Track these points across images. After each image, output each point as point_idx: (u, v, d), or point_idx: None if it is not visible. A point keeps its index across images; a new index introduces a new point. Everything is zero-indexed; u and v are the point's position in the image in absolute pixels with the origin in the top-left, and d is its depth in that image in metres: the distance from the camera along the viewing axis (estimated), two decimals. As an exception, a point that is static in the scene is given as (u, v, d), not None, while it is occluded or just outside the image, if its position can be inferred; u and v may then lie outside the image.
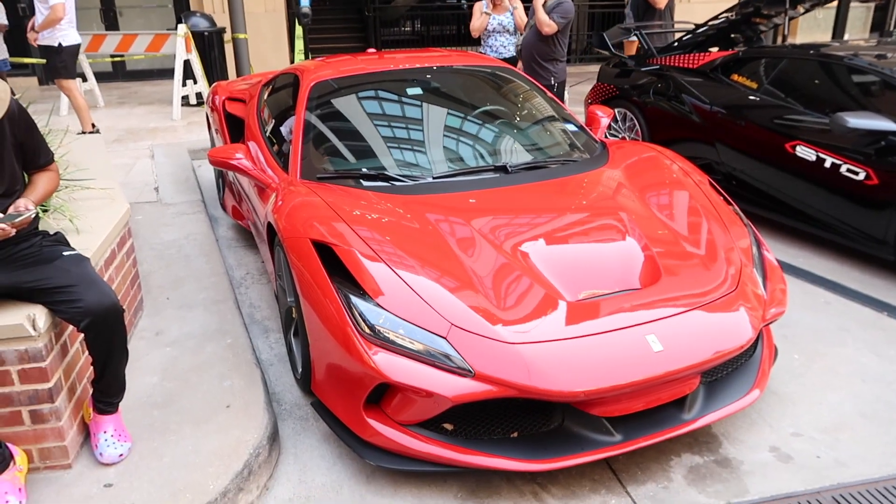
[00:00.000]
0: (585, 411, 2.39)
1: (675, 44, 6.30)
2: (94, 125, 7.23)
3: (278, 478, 2.56)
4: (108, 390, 2.42)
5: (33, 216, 2.24)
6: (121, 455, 2.39)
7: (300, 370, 2.92)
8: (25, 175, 2.45)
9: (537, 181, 3.21)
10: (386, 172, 3.19)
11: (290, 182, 3.26)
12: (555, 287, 2.56)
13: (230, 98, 4.96)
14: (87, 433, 2.52)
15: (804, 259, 4.40)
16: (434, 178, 3.19)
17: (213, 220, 5.20)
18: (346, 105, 3.69)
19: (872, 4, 15.70)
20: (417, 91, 3.75)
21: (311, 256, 2.63)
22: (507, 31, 6.34)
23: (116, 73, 11.61)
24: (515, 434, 2.41)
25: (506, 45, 6.39)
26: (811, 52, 4.83)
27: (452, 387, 2.25)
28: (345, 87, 3.78)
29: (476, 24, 6.39)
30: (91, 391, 2.46)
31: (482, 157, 3.42)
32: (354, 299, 2.45)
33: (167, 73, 11.43)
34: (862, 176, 4.07)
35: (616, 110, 5.96)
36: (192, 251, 4.34)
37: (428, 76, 3.88)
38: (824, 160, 4.28)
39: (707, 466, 2.58)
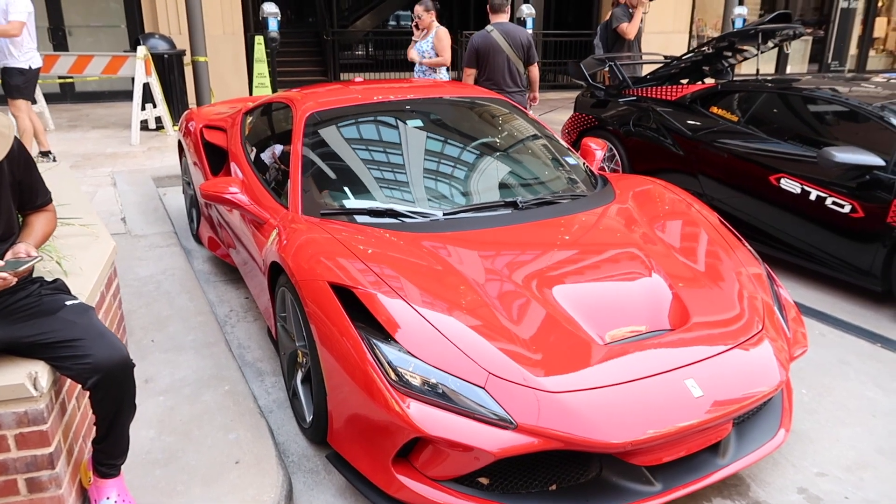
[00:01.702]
0: (625, 461, 2.30)
1: (648, 76, 6.39)
2: (49, 152, 6.88)
3: (301, 539, 2.38)
4: (112, 451, 2.20)
5: (37, 263, 2.04)
6: (128, 523, 2.17)
7: (309, 419, 2.75)
8: (20, 216, 2.24)
9: (551, 217, 3.14)
10: (395, 209, 3.07)
11: (292, 219, 3.10)
12: (585, 329, 2.48)
13: (208, 126, 4.75)
14: (85, 497, 2.29)
15: (792, 291, 4.46)
16: (444, 214, 3.09)
17: (188, 253, 4.96)
18: (345, 137, 3.56)
19: (810, 39, 16.49)
20: (418, 123, 3.65)
21: (329, 300, 2.49)
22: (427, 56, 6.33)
23: (65, 94, 11.13)
24: (554, 487, 2.30)
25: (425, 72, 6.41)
26: (791, 85, 4.96)
27: (495, 440, 2.13)
28: (341, 117, 3.65)
29: (410, 51, 6.48)
30: (91, 451, 2.24)
31: (490, 192, 3.34)
32: (381, 346, 2.32)
33: (119, 95, 11.06)
34: (847, 209, 4.16)
35: (595, 140, 5.98)
36: (172, 287, 4.11)
37: (425, 108, 3.79)
38: (809, 193, 4.36)
39: (741, 512, 2.53)
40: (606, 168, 5.90)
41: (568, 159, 3.80)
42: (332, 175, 3.37)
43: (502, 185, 3.42)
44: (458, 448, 2.16)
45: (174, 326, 3.60)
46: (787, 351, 2.63)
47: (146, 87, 8.30)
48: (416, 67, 6.47)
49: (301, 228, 2.92)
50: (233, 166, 4.07)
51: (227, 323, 3.97)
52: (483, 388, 2.21)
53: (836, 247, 4.26)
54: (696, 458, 2.44)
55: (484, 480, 2.28)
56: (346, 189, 3.30)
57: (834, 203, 4.23)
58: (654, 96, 5.82)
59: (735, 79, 5.91)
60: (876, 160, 4.02)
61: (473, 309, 2.47)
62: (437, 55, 6.22)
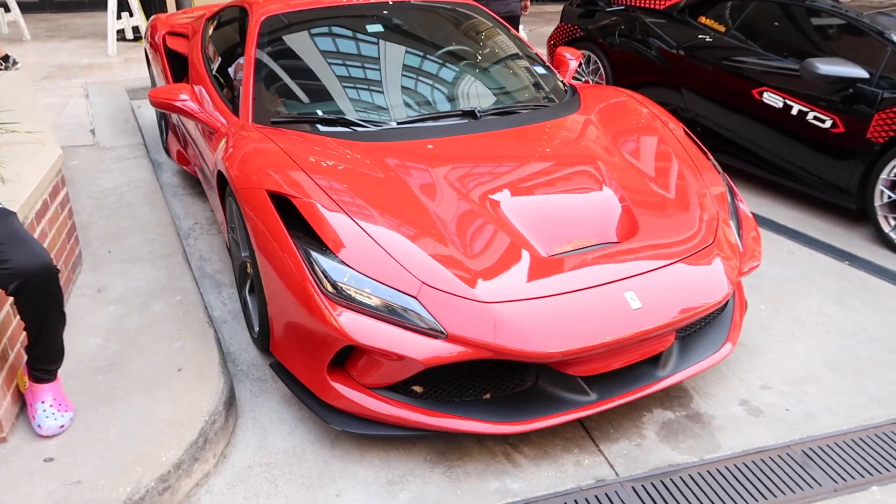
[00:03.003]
0: (560, 371, 2.30)
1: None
2: (7, 56, 6.60)
3: (236, 444, 2.42)
4: (44, 357, 2.20)
5: None
6: (62, 426, 2.20)
7: (257, 329, 2.75)
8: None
9: (508, 128, 3.04)
10: (346, 117, 2.97)
11: (241, 126, 3.00)
12: (529, 241, 2.43)
13: (171, 33, 4.57)
14: (22, 403, 2.31)
15: (767, 208, 4.39)
16: (398, 123, 2.99)
17: (157, 166, 4.88)
18: (301, 43, 3.41)
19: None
20: (378, 28, 3.49)
21: (267, 209, 2.43)
22: None
23: (43, 4, 10.76)
24: (488, 395, 2.31)
25: None
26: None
27: (424, 349, 2.12)
28: (298, 22, 3.49)
29: None
30: (25, 358, 2.24)
31: (449, 101, 3.22)
32: (316, 255, 2.28)
33: (100, 5, 10.65)
34: (828, 124, 4.03)
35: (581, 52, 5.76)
36: (134, 199, 4.05)
37: (387, 12, 3.62)
38: (791, 107, 4.21)
39: (679, 422, 2.54)
40: (590, 81, 5.71)
41: (537, 69, 3.65)
42: (284, 82, 3.24)
43: (463, 95, 3.29)
44: (388, 357, 2.15)
45: (132, 238, 3.57)
46: (737, 265, 2.58)
47: (121, -3, 7.98)
48: None
49: (248, 136, 2.83)
50: (192, 74, 3.93)
51: (190, 235, 3.94)
52: (415, 298, 2.18)
53: (815, 163, 4.15)
54: (636, 370, 2.44)
55: (418, 389, 2.29)
56: (299, 97, 3.18)
57: (815, 118, 4.09)
58: (643, 5, 5.56)
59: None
60: (860, 72, 3.86)
61: (414, 219, 2.42)
62: None
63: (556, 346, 2.13)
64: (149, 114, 5.92)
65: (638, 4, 5.60)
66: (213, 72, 3.74)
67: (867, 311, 3.26)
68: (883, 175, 3.79)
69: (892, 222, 3.83)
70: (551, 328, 2.16)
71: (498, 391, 2.33)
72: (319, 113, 3.02)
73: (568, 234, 2.50)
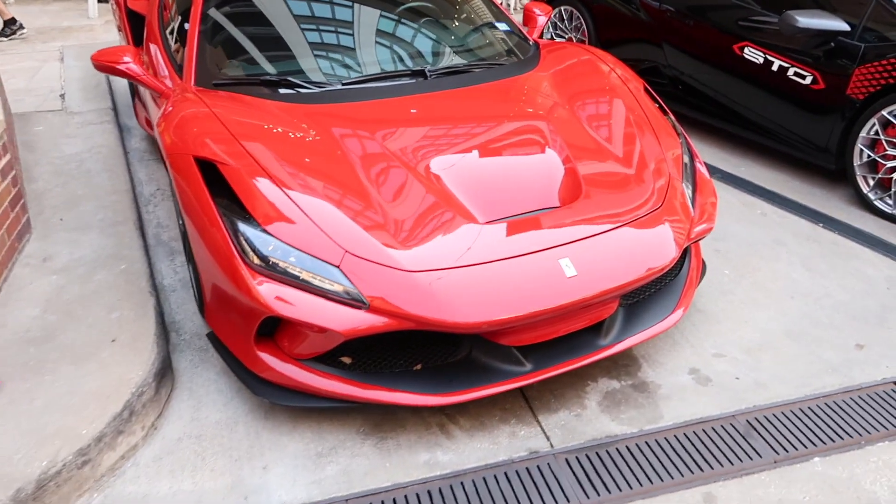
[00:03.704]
0: (494, 341, 2.23)
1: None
2: (14, 20, 6.57)
3: (169, 416, 2.38)
4: (-36, 329, 2.17)
5: None
6: (-16, 399, 2.17)
7: (197, 297, 2.70)
8: None
9: (458, 87, 2.92)
10: (289, 78, 2.86)
11: (183, 89, 2.90)
12: (465, 207, 2.34)
13: (134, -9, 4.43)
14: (-52, 375, 2.29)
15: (746, 168, 4.25)
16: (343, 84, 2.87)
17: (127, 131, 4.80)
18: (250, 2, 3.27)
19: None
20: (331, -17, 3.34)
21: (193, 175, 2.35)
22: None
23: (30, -36, 10.53)
24: (419, 366, 2.25)
25: None
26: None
27: (344, 320, 2.05)
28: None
29: None
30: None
31: (399, 60, 3.09)
32: (241, 225, 2.20)
33: (86, -35, 10.45)
34: (809, 80, 3.86)
35: (562, 8, 5.57)
36: (94, 166, 3.98)
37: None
38: (772, 63, 4.04)
39: (623, 392, 2.48)
40: (574, 39, 5.52)
41: (499, 25, 3.50)
42: (229, 42, 3.13)
43: (415, 53, 3.17)
44: (310, 328, 2.09)
45: (86, 205, 3.50)
46: (686, 228, 2.48)
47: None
48: None
49: (183, 100, 2.73)
50: (147, 35, 3.82)
51: (150, 202, 3.88)
52: (338, 267, 2.11)
53: (795, 121, 3.99)
54: (577, 339, 2.37)
55: (346, 360, 2.24)
56: (243, 58, 3.06)
57: (796, 74, 3.92)
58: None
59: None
60: (841, 25, 3.67)
61: (344, 185, 2.33)
62: None
63: (479, 317, 2.06)
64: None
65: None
66: (167, 32, 3.62)
67: (835, 276, 3.16)
68: (862, 133, 3.63)
69: (871, 182, 3.69)
70: (476, 298, 2.08)
71: (430, 362, 2.27)
72: (262, 74, 2.91)
73: (508, 199, 2.40)
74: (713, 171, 4.17)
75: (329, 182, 2.33)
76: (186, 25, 3.37)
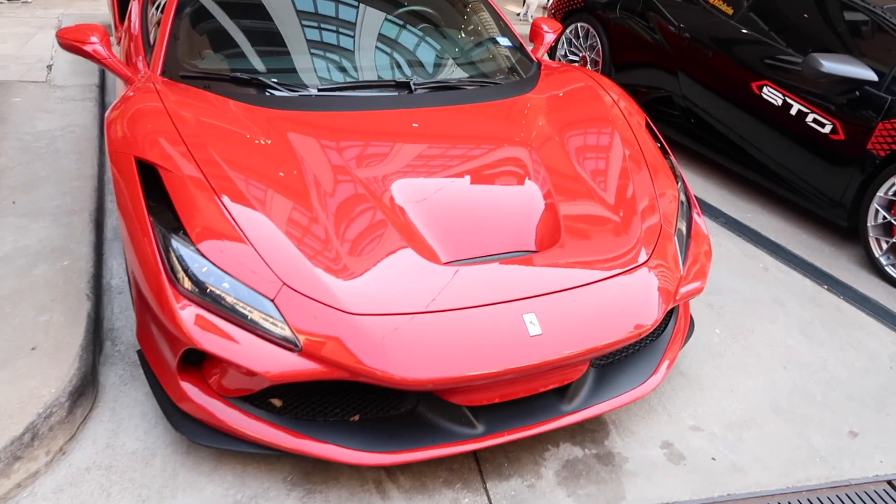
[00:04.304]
0: (444, 398, 1.99)
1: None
2: None
3: (82, 439, 2.16)
4: None
5: None
6: None
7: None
8: None
9: (444, 105, 2.68)
10: (260, 78, 2.63)
11: (148, 78, 2.68)
12: (428, 244, 2.10)
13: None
14: None
15: (753, 215, 3.99)
16: (319, 90, 2.64)
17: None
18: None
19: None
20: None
21: (132, 178, 2.12)
22: None
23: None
24: (356, 417, 2.01)
25: None
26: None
27: (271, 362, 1.82)
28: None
29: None
30: None
31: (384, 69, 2.86)
32: (174, 241, 1.97)
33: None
34: (828, 129, 3.60)
35: (578, 24, 5.32)
36: (64, 146, 3.76)
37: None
38: (791, 106, 3.78)
39: (586, 462, 2.24)
40: (588, 58, 5.27)
41: (501, 40, 3.26)
42: (204, 33, 2.90)
43: (404, 63, 2.93)
44: (234, 366, 1.86)
45: (45, 189, 3.29)
46: (673, 287, 2.23)
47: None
48: None
49: (138, 92, 2.50)
50: (129, 15, 3.60)
51: (117, 190, 3.66)
52: (272, 301, 1.88)
53: (810, 171, 3.74)
54: (538, 401, 2.13)
55: (277, 402, 2.00)
56: (216, 51, 2.83)
57: (815, 121, 3.67)
58: (651, -23, 5.08)
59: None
60: (868, 74, 3.42)
61: (296, 208, 2.10)
62: None
63: (425, 373, 1.82)
64: (118, 52, 5.60)
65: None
66: (149, 14, 3.39)
67: (834, 347, 2.91)
68: (880, 192, 3.38)
69: (885, 246, 3.43)
70: (425, 351, 1.85)
71: (370, 413, 2.03)
72: (233, 71, 2.68)
73: (478, 238, 2.17)
74: (717, 214, 3.92)
75: (278, 201, 2.10)
76: (162, 6, 3.15)
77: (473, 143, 2.51)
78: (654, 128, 2.87)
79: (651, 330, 2.12)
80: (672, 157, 2.76)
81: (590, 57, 5.26)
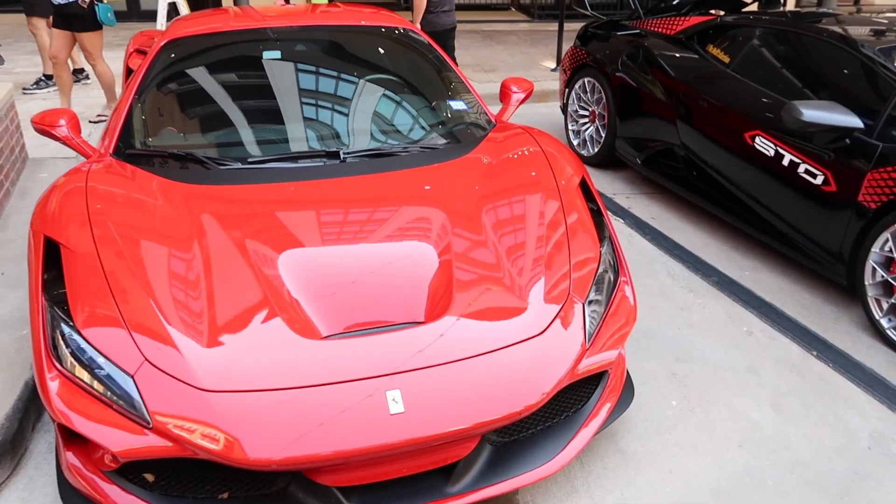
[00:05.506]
0: (311, 479, 1.93)
1: (663, 3, 5.46)
2: (82, 69, 7.14)
3: (-10, 507, 2.23)
4: None
5: None
6: None
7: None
8: None
9: (370, 173, 2.69)
10: (195, 153, 2.73)
11: (99, 157, 2.85)
12: (307, 317, 2.08)
13: (138, 50, 4.55)
14: None
15: (750, 273, 3.71)
16: (248, 162, 2.71)
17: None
18: (186, 70, 3.22)
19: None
20: (276, 55, 3.23)
21: (36, 254, 2.25)
22: None
23: (130, 12, 11.40)
24: (225, 495, 1.98)
25: None
26: (793, 22, 4.02)
27: (121, 438, 1.83)
28: (197, 48, 3.30)
29: None
30: None
31: (317, 139, 2.90)
32: (58, 318, 2.05)
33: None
34: (820, 180, 3.34)
35: (586, 80, 5.25)
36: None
37: (292, 37, 3.35)
38: (783, 156, 3.55)
39: (482, 549, 2.09)
40: (596, 112, 5.17)
41: (453, 103, 3.26)
42: (156, 114, 3.06)
43: (340, 132, 2.97)
44: (89, 441, 1.89)
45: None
46: (570, 363, 2.09)
47: (172, 6, 8.23)
48: None
49: (77, 171, 2.64)
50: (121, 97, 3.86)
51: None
52: (132, 377, 1.90)
53: (807, 225, 3.46)
54: (421, 481, 2.03)
55: (149, 476, 2.00)
56: (159, 128, 2.98)
57: (807, 171, 3.42)
58: (656, 30, 4.97)
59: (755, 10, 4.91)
60: (853, 121, 3.16)
61: (176, 284, 2.13)
62: None
63: (277, 453, 1.78)
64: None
65: (653, 29, 5.01)
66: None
67: (805, 422, 2.62)
68: (874, 248, 3.07)
69: (885, 307, 3.09)
70: (277, 429, 1.81)
71: (241, 491, 1.99)
72: (168, 148, 2.80)
73: (367, 309, 2.13)
74: (709, 273, 3.68)
75: (161, 278, 2.14)
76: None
77: (386, 210, 2.49)
78: (591, 187, 2.75)
79: (535, 409, 1.99)
80: (606, 218, 2.63)
81: (597, 111, 5.16)
